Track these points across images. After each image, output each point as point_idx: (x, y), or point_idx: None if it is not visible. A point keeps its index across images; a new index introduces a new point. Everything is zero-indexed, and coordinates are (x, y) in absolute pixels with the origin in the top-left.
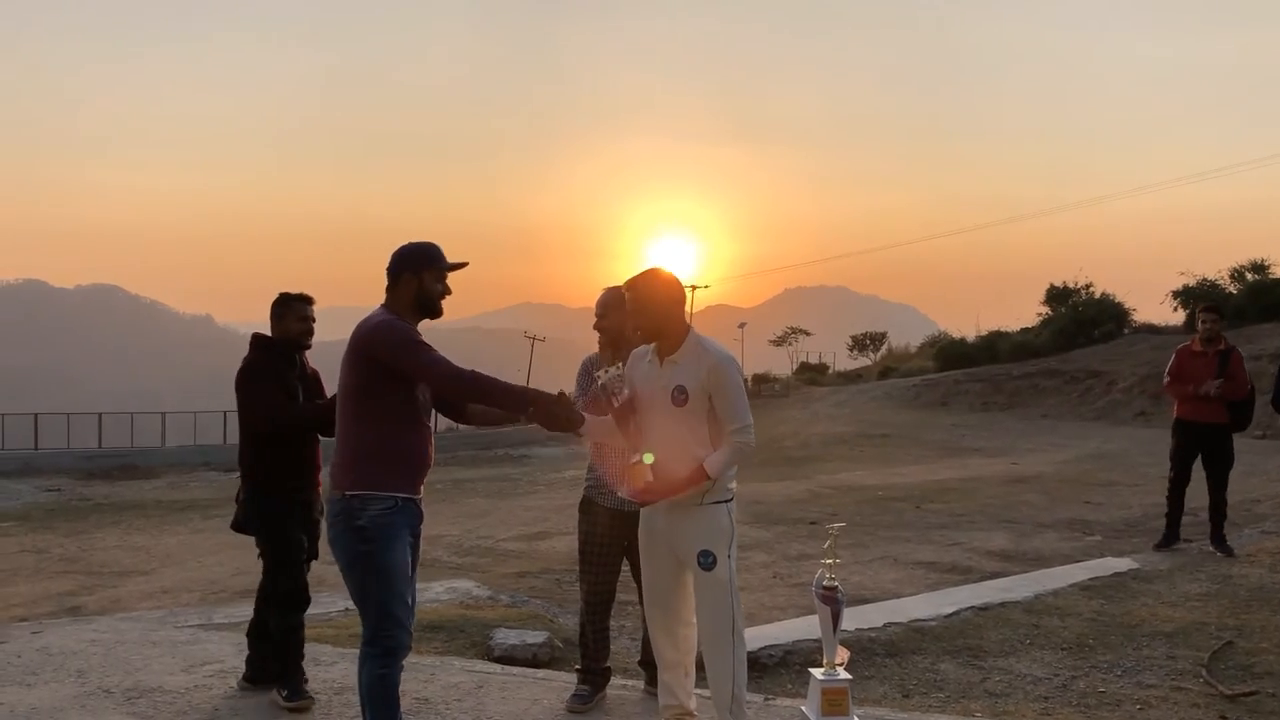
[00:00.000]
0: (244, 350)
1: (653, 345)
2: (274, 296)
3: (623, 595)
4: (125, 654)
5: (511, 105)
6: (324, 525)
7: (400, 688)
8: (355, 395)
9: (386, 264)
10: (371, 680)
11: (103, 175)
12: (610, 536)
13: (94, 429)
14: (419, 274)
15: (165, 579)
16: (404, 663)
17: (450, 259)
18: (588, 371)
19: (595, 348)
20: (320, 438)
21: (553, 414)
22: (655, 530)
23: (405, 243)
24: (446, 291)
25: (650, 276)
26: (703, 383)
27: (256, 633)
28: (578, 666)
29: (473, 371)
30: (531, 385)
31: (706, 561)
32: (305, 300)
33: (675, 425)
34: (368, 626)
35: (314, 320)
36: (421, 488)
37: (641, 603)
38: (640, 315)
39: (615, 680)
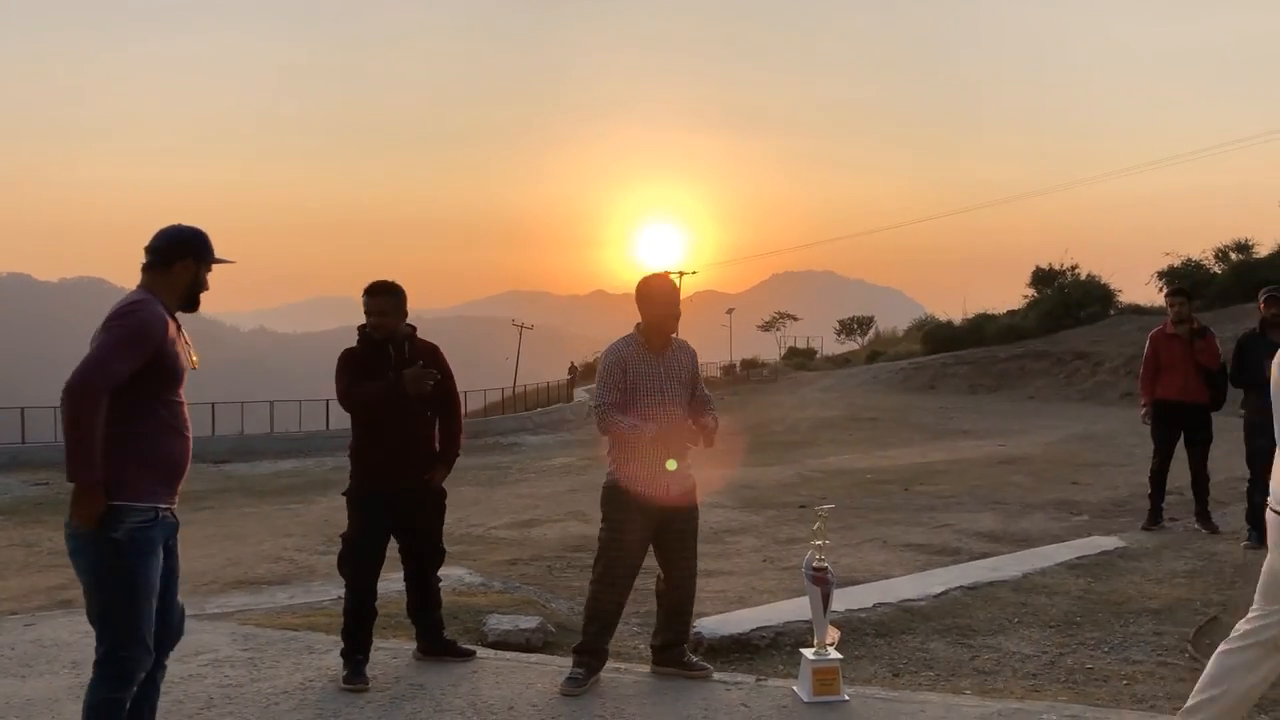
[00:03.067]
0: (232, 341)
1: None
2: (259, 288)
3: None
4: None
5: (498, 94)
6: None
7: (395, 674)
8: (112, 392)
9: (151, 241)
10: (98, 703)
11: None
12: (643, 524)
13: None
14: (200, 263)
15: None
16: (383, 647)
17: (429, 247)
18: (623, 365)
19: (580, 336)
20: (420, 428)
21: (83, 509)
22: None
23: (177, 224)
24: (208, 286)
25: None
26: None
27: (412, 611)
28: (574, 648)
29: (90, 409)
30: (520, 373)
31: None
32: (371, 292)
33: None
34: (104, 645)
35: (385, 312)
36: (177, 498)
37: (660, 587)
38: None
39: (610, 664)
